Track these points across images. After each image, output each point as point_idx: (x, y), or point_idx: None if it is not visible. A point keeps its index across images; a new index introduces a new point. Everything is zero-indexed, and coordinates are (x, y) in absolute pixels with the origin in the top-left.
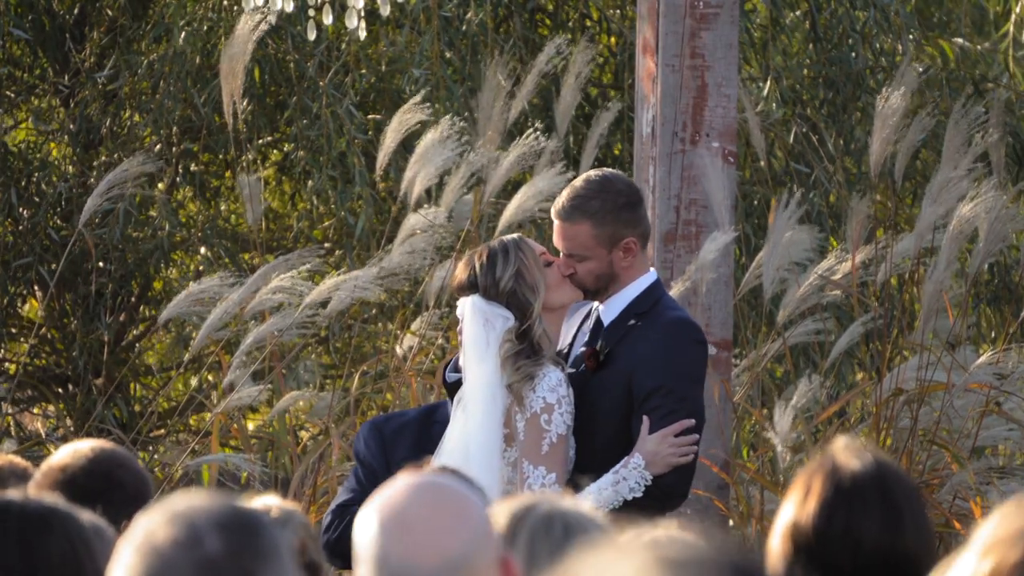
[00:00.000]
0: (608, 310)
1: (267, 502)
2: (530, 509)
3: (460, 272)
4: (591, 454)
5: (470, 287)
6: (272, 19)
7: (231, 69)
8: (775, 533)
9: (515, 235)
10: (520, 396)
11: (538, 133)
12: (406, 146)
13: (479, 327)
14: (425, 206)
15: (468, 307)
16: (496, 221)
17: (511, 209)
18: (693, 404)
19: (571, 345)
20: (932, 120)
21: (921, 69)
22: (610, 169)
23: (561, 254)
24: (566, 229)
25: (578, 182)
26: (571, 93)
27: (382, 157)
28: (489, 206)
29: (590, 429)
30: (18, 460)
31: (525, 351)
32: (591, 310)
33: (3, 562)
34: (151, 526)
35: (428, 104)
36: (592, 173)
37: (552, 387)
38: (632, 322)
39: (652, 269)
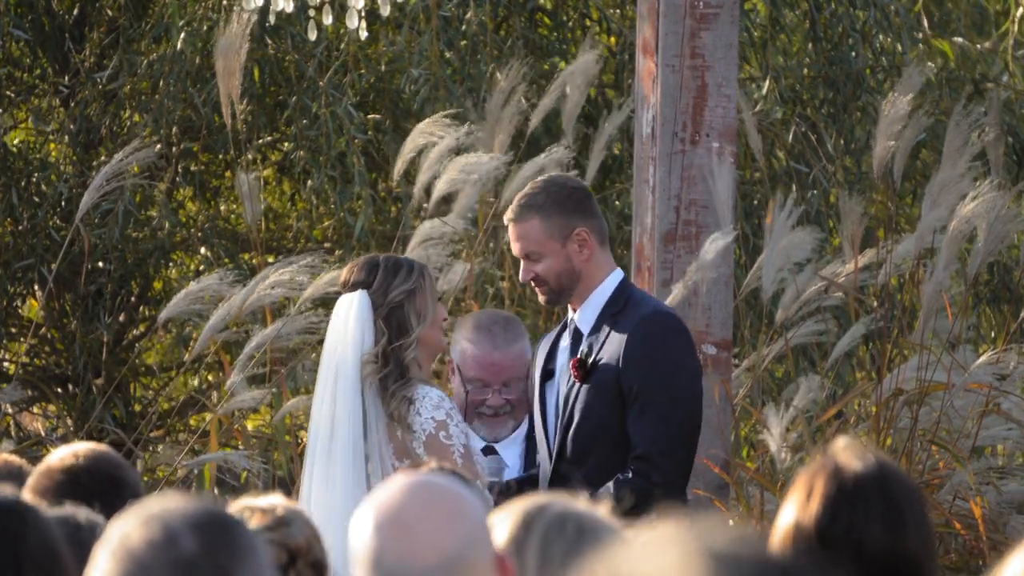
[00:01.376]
0: (583, 317)
1: (272, 502)
2: (542, 509)
3: (357, 270)
4: (593, 461)
5: (362, 285)
6: (271, 18)
7: (226, 68)
8: (776, 534)
9: (422, 262)
10: (405, 422)
11: (553, 145)
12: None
13: (358, 324)
14: (424, 205)
15: (355, 302)
16: (500, 220)
17: None
18: (690, 403)
19: (548, 360)
20: (930, 119)
21: (925, 69)
22: (557, 173)
23: (521, 262)
24: (518, 229)
25: (525, 188)
26: (579, 92)
27: (399, 166)
28: (489, 206)
29: (587, 438)
30: (14, 459)
31: (393, 374)
32: (565, 323)
33: None
34: (125, 529)
35: (452, 118)
36: (538, 178)
37: (436, 404)
38: (609, 324)
39: (618, 269)
